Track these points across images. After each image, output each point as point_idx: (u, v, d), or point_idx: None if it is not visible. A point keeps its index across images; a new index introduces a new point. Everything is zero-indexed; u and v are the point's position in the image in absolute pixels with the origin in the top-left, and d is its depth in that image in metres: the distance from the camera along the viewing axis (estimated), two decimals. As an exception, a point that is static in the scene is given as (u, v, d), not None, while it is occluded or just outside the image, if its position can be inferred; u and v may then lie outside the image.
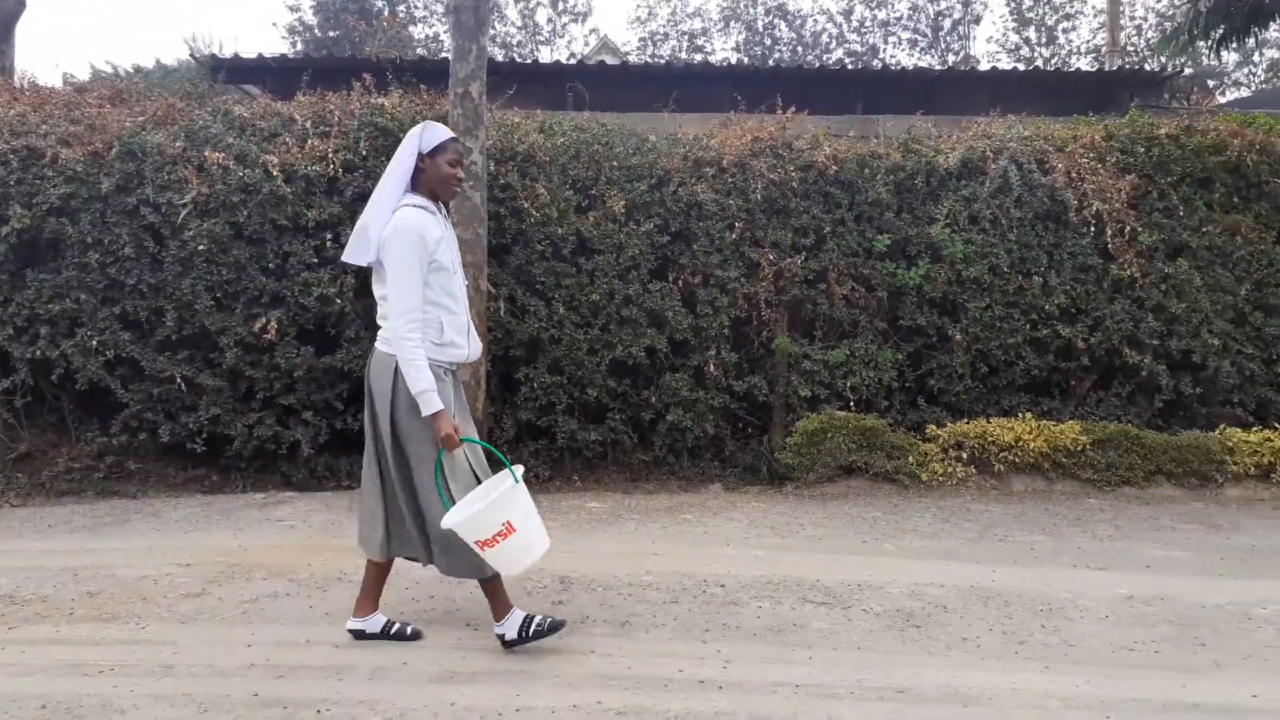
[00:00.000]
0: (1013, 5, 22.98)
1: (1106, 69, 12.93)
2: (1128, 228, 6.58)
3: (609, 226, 6.30)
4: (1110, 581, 4.28)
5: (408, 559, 3.50)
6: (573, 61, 10.05)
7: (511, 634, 3.35)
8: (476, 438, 3.44)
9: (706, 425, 6.51)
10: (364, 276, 5.20)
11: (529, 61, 12.96)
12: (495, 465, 3.47)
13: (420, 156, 3.29)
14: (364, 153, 6.09)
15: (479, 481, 3.33)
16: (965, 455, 6.04)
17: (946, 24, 23.56)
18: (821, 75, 10.45)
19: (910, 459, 6.01)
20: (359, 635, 3.50)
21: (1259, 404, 6.83)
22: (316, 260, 6.01)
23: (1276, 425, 6.41)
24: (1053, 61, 21.99)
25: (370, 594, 3.52)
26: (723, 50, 24.57)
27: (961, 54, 22.81)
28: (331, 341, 6.12)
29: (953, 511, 5.51)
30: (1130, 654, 3.48)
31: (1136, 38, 20.05)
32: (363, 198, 5.43)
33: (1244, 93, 27.28)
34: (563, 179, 6.35)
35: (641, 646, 3.50)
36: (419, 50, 17.94)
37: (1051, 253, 6.61)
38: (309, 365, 5.97)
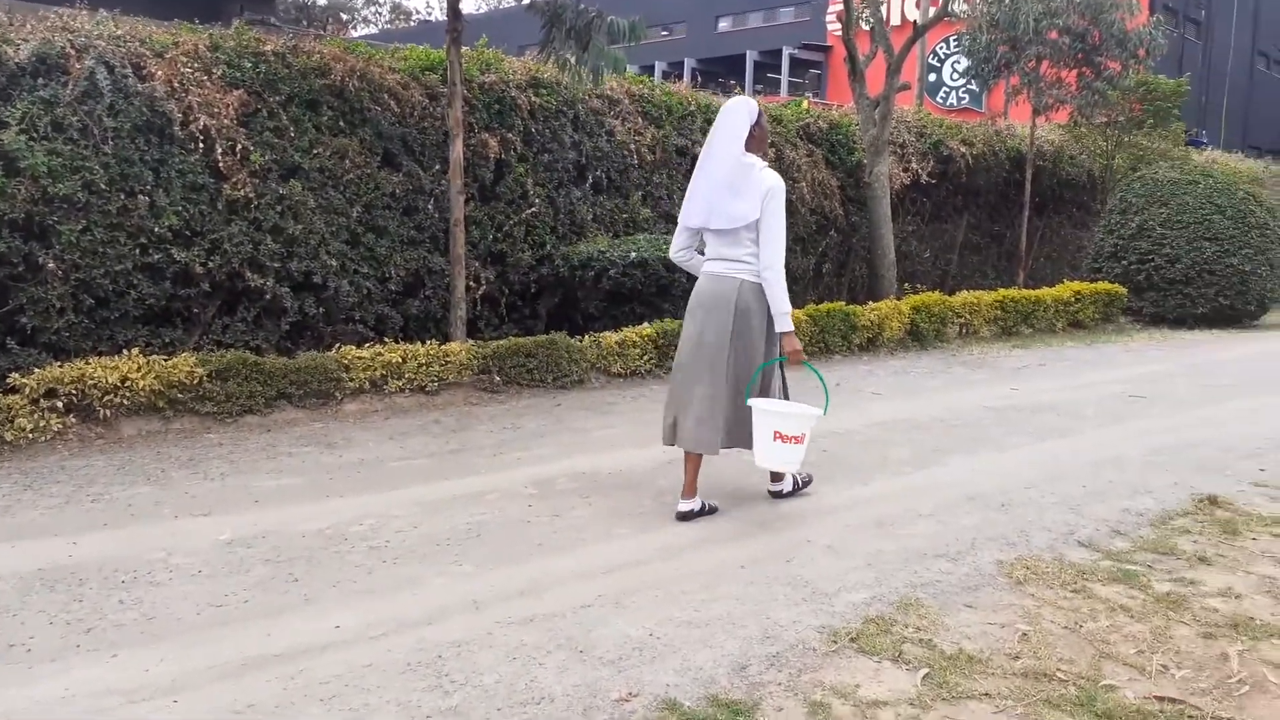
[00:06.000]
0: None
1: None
2: (239, 146, 6.31)
3: None
4: (213, 527, 3.99)
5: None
6: None
7: (788, 488, 4.49)
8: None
9: None
10: None
11: None
12: None
13: (752, 124, 4.05)
14: None
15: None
16: (62, 404, 5.15)
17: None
18: None
19: (-13, 418, 4.90)
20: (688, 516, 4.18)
21: (378, 319, 7.30)
22: None
23: (388, 340, 6.91)
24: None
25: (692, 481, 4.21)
26: None
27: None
28: None
29: (40, 474, 4.63)
30: (218, 611, 3.21)
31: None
32: None
33: (373, 30, 29.82)
34: None
35: None
36: None
37: (158, 169, 6.00)
38: None
